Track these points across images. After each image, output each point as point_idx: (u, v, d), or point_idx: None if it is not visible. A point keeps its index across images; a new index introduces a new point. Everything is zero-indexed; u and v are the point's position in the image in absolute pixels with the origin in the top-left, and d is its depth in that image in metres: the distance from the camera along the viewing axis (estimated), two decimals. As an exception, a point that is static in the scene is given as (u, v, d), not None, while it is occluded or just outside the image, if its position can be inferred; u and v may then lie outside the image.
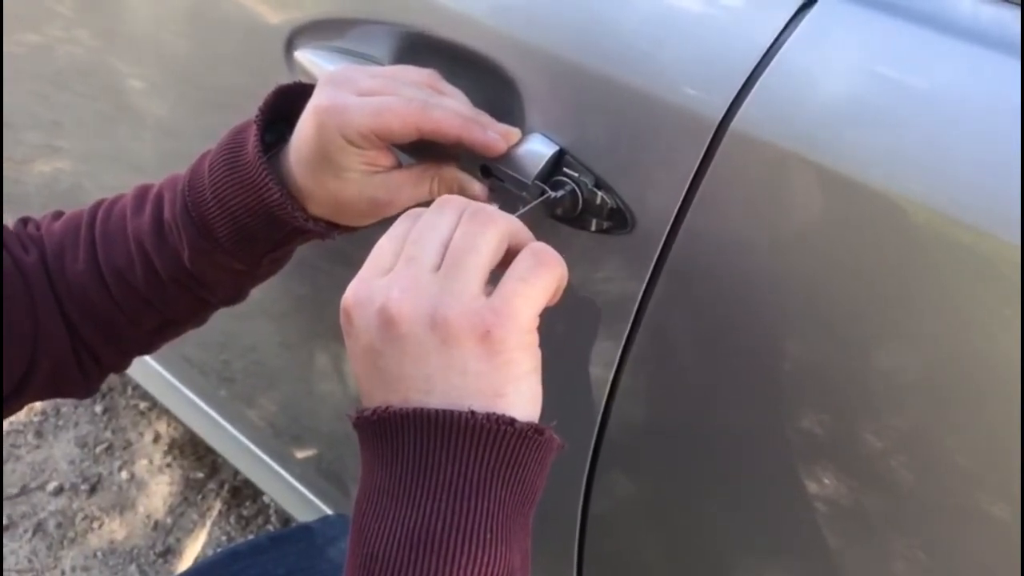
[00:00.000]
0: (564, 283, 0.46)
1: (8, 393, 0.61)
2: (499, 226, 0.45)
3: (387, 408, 0.43)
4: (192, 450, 1.60)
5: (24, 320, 0.60)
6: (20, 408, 0.64)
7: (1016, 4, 0.47)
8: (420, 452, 0.42)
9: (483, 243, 0.44)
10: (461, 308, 0.42)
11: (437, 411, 0.41)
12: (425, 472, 0.42)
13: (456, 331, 0.42)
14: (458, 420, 0.41)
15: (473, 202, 0.47)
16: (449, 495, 0.41)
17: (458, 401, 0.42)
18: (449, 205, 0.46)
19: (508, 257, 0.46)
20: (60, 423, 1.64)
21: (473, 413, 0.41)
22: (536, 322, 0.44)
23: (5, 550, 1.44)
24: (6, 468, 1.56)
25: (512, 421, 0.42)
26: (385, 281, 0.44)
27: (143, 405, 1.67)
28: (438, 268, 0.44)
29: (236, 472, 1.54)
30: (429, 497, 0.41)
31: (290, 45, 0.69)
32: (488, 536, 0.41)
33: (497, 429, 0.41)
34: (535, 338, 0.44)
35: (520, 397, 0.43)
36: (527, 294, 0.43)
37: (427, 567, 0.40)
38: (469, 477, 0.41)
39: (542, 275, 0.44)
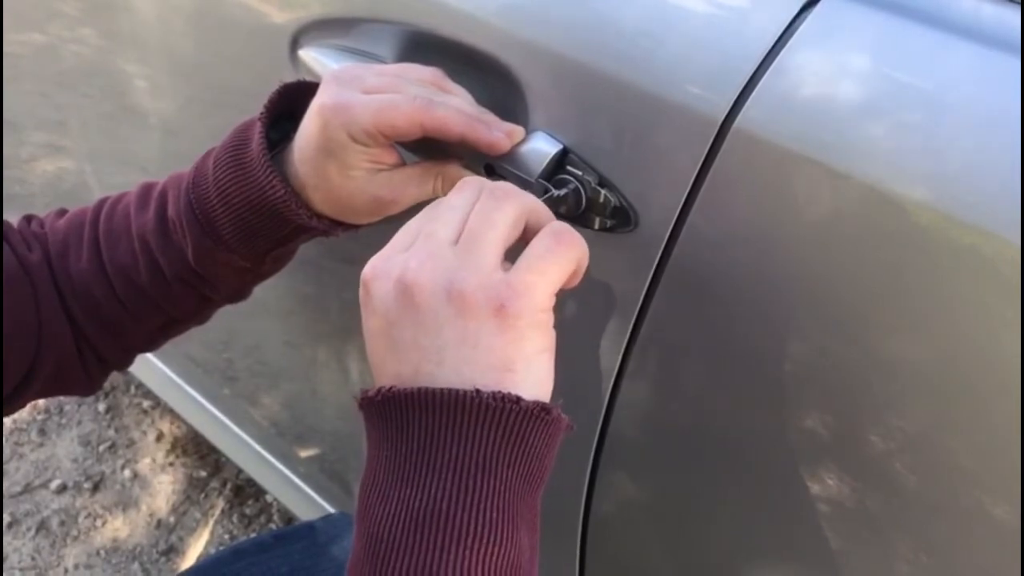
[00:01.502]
0: (584, 265, 0.46)
1: (11, 390, 0.61)
2: (516, 202, 0.46)
3: (391, 388, 0.43)
4: (195, 449, 1.60)
5: (28, 318, 0.60)
6: (23, 406, 0.64)
7: (1017, 3, 0.47)
8: (425, 431, 0.42)
9: (500, 218, 0.45)
10: (477, 281, 0.42)
11: (442, 390, 0.41)
12: (430, 451, 0.42)
13: (471, 303, 0.42)
14: (463, 399, 0.41)
15: (491, 181, 0.47)
16: (455, 474, 0.41)
17: (469, 374, 0.42)
18: (469, 185, 0.47)
19: (528, 236, 0.46)
20: (63, 421, 1.64)
21: (479, 392, 0.41)
22: (552, 301, 0.44)
23: (8, 548, 1.44)
24: (10, 466, 1.56)
25: (518, 399, 0.42)
26: (404, 255, 0.44)
27: (146, 403, 1.68)
28: (456, 243, 0.44)
29: (239, 471, 1.55)
30: (435, 476, 0.41)
31: (295, 44, 0.70)
32: (495, 515, 0.41)
33: (503, 407, 0.41)
34: (550, 317, 0.45)
35: (530, 374, 0.43)
36: (544, 271, 0.44)
37: (433, 546, 0.40)
38: (475, 456, 0.41)
39: (560, 254, 0.44)
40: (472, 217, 0.45)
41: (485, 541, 0.40)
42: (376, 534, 0.41)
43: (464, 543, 0.40)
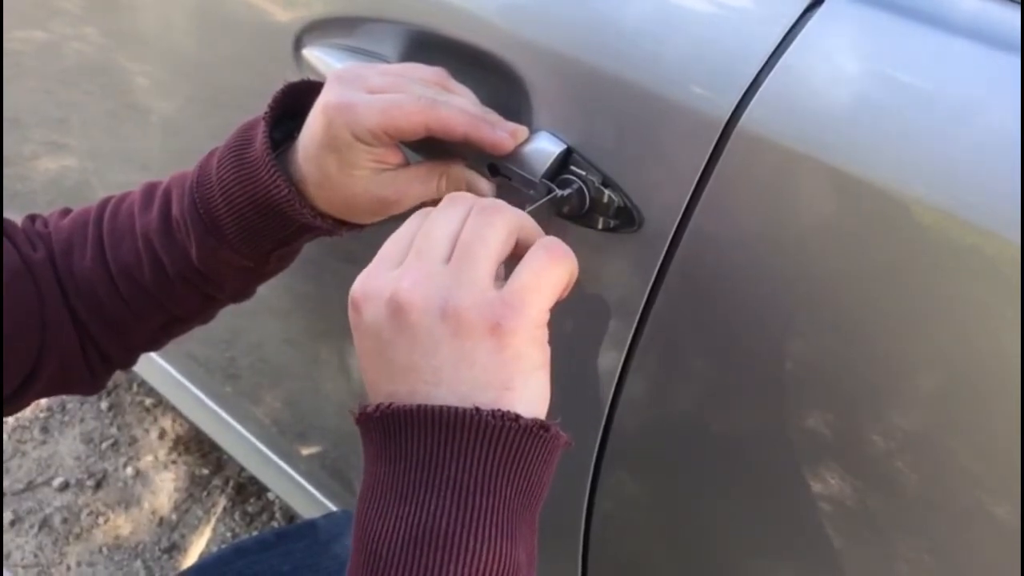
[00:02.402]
0: (574, 278, 0.46)
1: (15, 389, 0.62)
2: (507, 219, 0.45)
3: (390, 405, 0.42)
4: (197, 447, 1.60)
5: (31, 317, 0.60)
6: (27, 404, 0.65)
7: (1017, 3, 0.48)
8: (424, 449, 0.42)
9: (492, 235, 0.44)
10: (472, 299, 0.42)
11: (442, 408, 0.41)
12: (429, 469, 0.41)
13: (467, 322, 0.42)
14: (463, 417, 0.41)
15: (481, 198, 0.47)
16: (453, 492, 0.41)
17: (467, 393, 0.42)
18: (458, 201, 0.47)
19: (518, 252, 0.46)
20: (66, 419, 1.65)
21: (478, 410, 0.41)
22: (546, 316, 0.44)
23: (11, 545, 1.44)
24: (12, 463, 1.56)
25: (517, 417, 0.42)
26: (395, 273, 0.44)
27: (148, 401, 1.68)
28: (448, 261, 0.44)
29: (241, 469, 1.55)
30: (433, 494, 0.41)
31: (298, 43, 0.70)
32: (493, 532, 0.41)
33: (502, 425, 0.41)
34: (545, 333, 0.45)
35: (528, 392, 0.43)
36: (537, 287, 0.43)
37: (431, 563, 0.40)
38: (474, 474, 0.41)
39: (552, 269, 0.44)
40: (464, 234, 0.44)
41: (483, 558, 0.40)
42: (374, 551, 0.41)
43: (462, 560, 0.40)
